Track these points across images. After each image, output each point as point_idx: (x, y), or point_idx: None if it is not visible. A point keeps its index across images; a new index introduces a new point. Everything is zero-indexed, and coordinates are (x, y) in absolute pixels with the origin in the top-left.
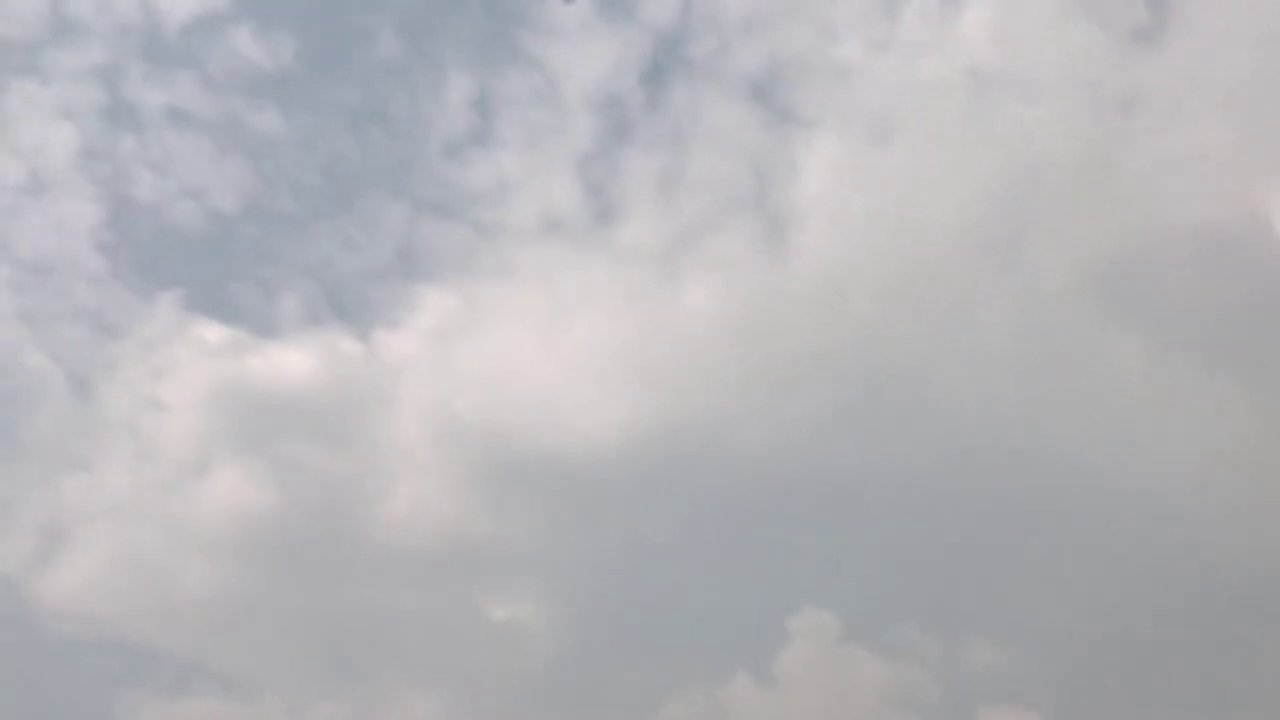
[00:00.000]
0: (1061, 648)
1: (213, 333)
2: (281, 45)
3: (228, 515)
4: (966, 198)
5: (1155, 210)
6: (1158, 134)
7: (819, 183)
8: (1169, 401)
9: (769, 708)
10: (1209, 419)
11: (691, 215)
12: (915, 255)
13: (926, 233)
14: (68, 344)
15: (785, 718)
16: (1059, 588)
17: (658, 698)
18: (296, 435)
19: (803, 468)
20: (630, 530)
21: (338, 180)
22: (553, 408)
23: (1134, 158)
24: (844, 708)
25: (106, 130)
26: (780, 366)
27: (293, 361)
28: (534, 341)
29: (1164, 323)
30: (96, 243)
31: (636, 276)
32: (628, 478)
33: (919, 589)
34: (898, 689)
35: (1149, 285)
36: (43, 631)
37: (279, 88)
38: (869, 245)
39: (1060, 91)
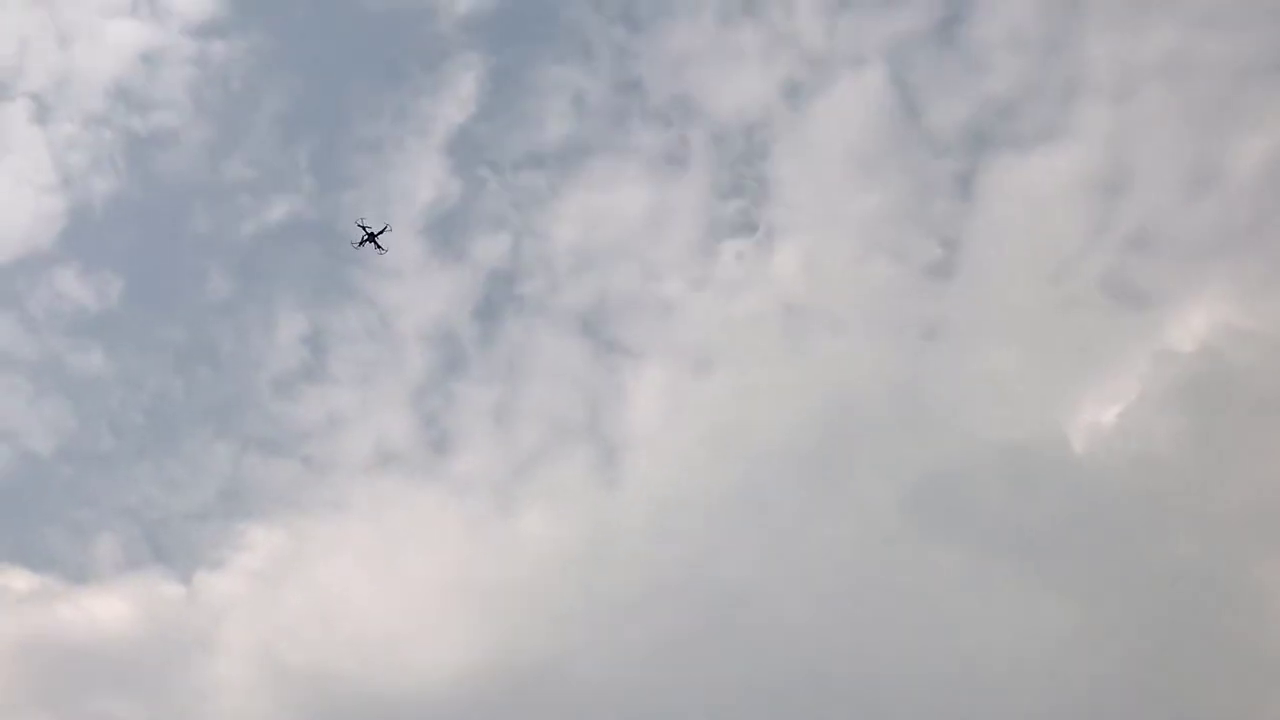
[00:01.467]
0: None
1: (20, 580)
2: (107, 285)
3: None
4: (788, 423)
5: (964, 430)
6: (959, 359)
7: (647, 410)
8: (987, 604)
9: None
10: (1023, 616)
11: (526, 444)
12: (742, 478)
13: (752, 457)
14: None
15: None
16: None
17: None
18: (107, 687)
19: (642, 697)
20: None
21: (161, 419)
22: (385, 646)
23: (939, 381)
24: None
25: None
26: (616, 593)
27: (107, 608)
28: (366, 577)
29: (980, 534)
30: None
31: (472, 506)
32: (469, 714)
33: None
34: None
35: (964, 500)
36: None
37: (103, 327)
38: (697, 470)
39: (867, 323)
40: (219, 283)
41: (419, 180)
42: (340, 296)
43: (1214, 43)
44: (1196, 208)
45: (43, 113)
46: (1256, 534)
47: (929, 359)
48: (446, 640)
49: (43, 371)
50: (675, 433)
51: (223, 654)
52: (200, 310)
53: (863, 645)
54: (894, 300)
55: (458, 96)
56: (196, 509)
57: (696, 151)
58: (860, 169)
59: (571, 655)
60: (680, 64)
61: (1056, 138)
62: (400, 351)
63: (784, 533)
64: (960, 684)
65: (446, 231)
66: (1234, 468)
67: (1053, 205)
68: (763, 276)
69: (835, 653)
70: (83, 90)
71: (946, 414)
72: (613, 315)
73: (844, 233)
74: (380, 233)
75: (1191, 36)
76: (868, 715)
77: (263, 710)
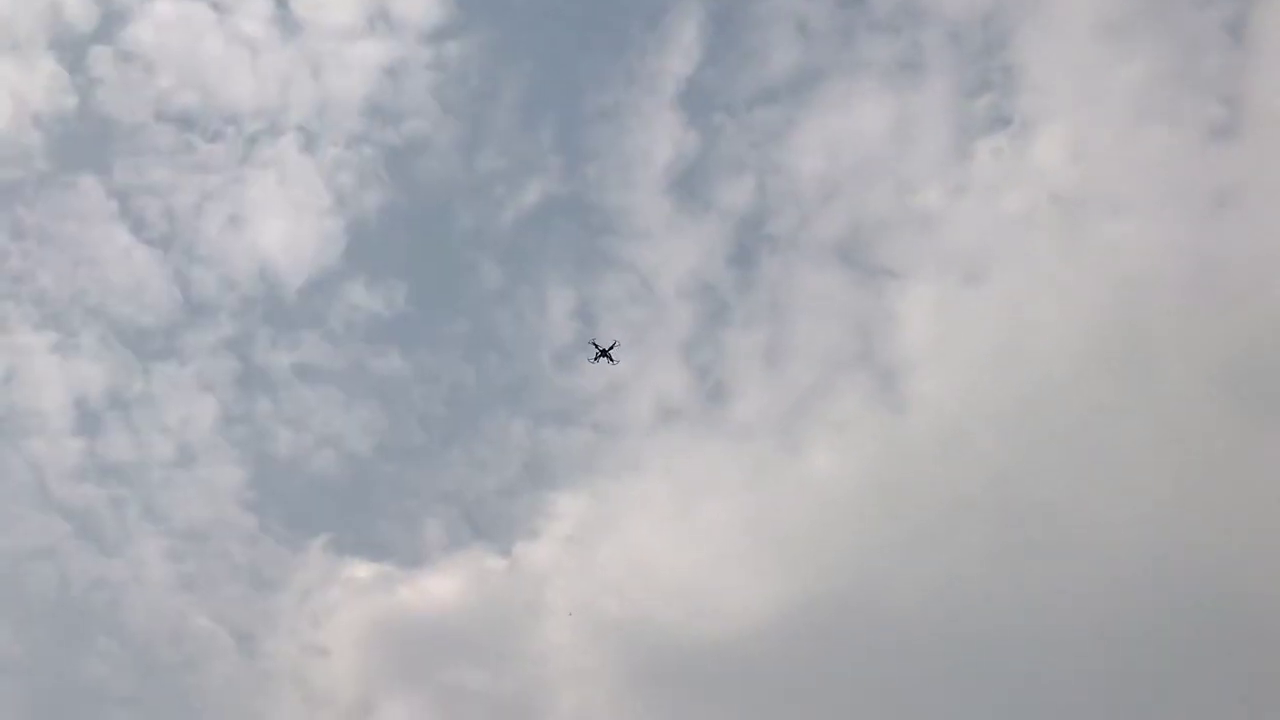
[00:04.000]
0: None
1: (363, 570)
2: (393, 291)
3: None
4: (1075, 321)
5: (1272, 297)
6: (1257, 224)
7: (922, 330)
8: None
9: None
10: None
11: (801, 382)
12: (1034, 387)
13: (1041, 363)
14: (229, 603)
15: None
16: (1257, 711)
17: None
18: (454, 659)
19: (955, 621)
20: (797, 705)
21: (461, 407)
22: (696, 594)
23: (1238, 252)
24: None
25: (242, 396)
26: (914, 520)
27: (442, 586)
28: (667, 530)
29: None
30: (244, 502)
31: (757, 450)
32: (779, 653)
33: None
34: None
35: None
36: None
37: (395, 330)
38: (984, 384)
39: (1149, 200)
40: (490, 272)
41: (656, 139)
42: (601, 266)
43: None
44: None
45: (309, 141)
46: None
47: (1224, 229)
48: (752, 583)
49: (350, 379)
50: (955, 349)
51: (549, 617)
52: (477, 301)
53: (1192, 551)
54: (1176, 171)
55: (681, 46)
56: (506, 485)
57: (932, 54)
58: (1114, 35)
59: (875, 586)
60: None
61: None
62: (664, 310)
63: (1086, 438)
64: None
65: (690, 184)
66: None
67: None
68: (1026, 170)
69: (1160, 561)
70: (340, 114)
71: (1251, 286)
72: (870, 238)
73: (1108, 107)
74: (611, 348)
75: None
76: (1212, 631)
77: (593, 665)
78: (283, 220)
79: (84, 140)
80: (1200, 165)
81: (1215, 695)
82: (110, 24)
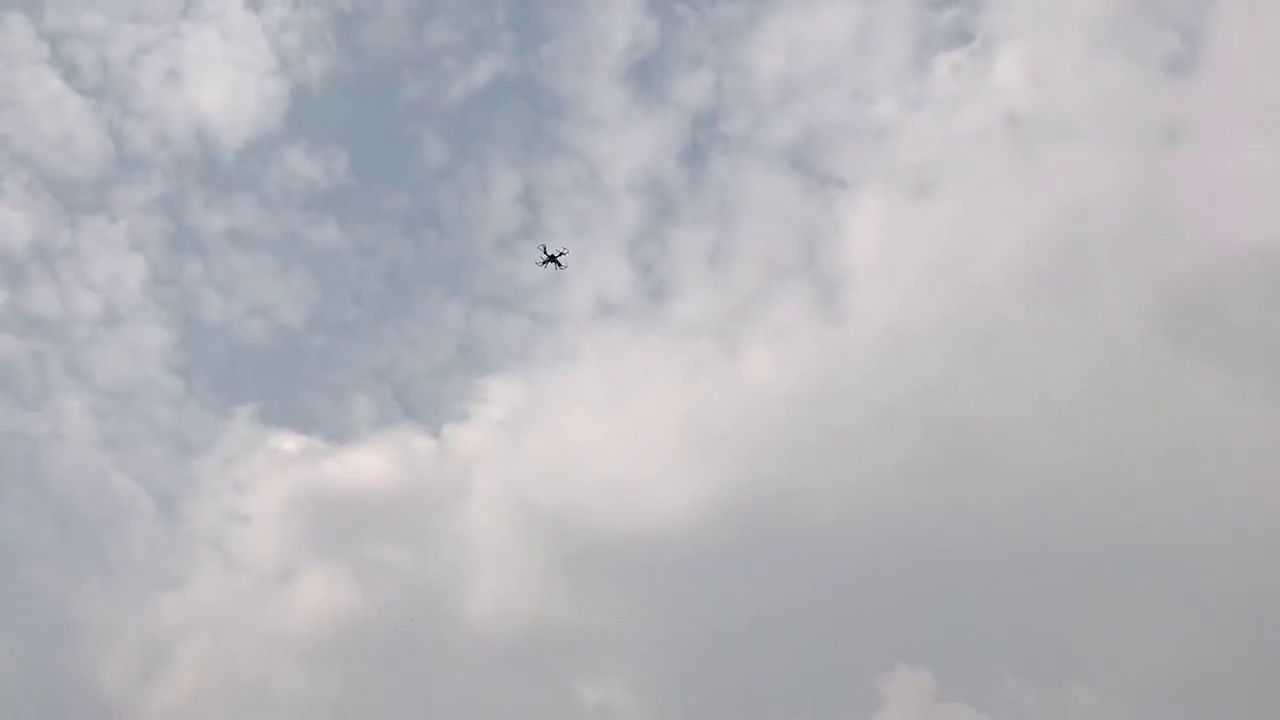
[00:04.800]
0: (1162, 687)
1: (289, 442)
2: (333, 160)
3: (317, 620)
4: (1019, 243)
5: (1213, 236)
6: (1205, 160)
7: (867, 242)
8: (1252, 432)
9: None
10: None
11: (744, 286)
12: (972, 306)
13: (982, 281)
14: (151, 465)
15: None
16: (1155, 629)
17: None
18: (377, 536)
19: (881, 528)
20: (714, 604)
21: (397, 284)
22: (624, 487)
23: (1184, 186)
24: None
25: (173, 257)
26: (847, 429)
27: (368, 463)
28: (600, 423)
29: (1235, 348)
30: (170, 365)
31: (695, 351)
32: (705, 551)
33: (1013, 640)
34: None
35: (1217, 312)
36: None
37: (334, 201)
38: (924, 300)
39: (1101, 128)
40: (434, 148)
41: (615, 24)
42: (549, 152)
43: None
44: None
45: None
46: None
47: (1172, 163)
48: (681, 480)
49: (284, 247)
50: (898, 263)
51: (475, 501)
52: (420, 177)
53: (1108, 476)
54: (1130, 102)
55: None
56: (438, 367)
57: None
58: None
59: (805, 489)
60: None
61: None
62: (611, 203)
63: (1020, 360)
64: (1220, 521)
65: (646, 75)
66: None
67: None
68: (983, 89)
69: (1078, 485)
70: None
71: (1193, 220)
72: (823, 146)
73: (1070, 32)
74: (560, 254)
75: None
76: (1114, 552)
77: (517, 551)
78: (223, 79)
79: None
80: (1154, 97)
81: (1130, 614)
82: None
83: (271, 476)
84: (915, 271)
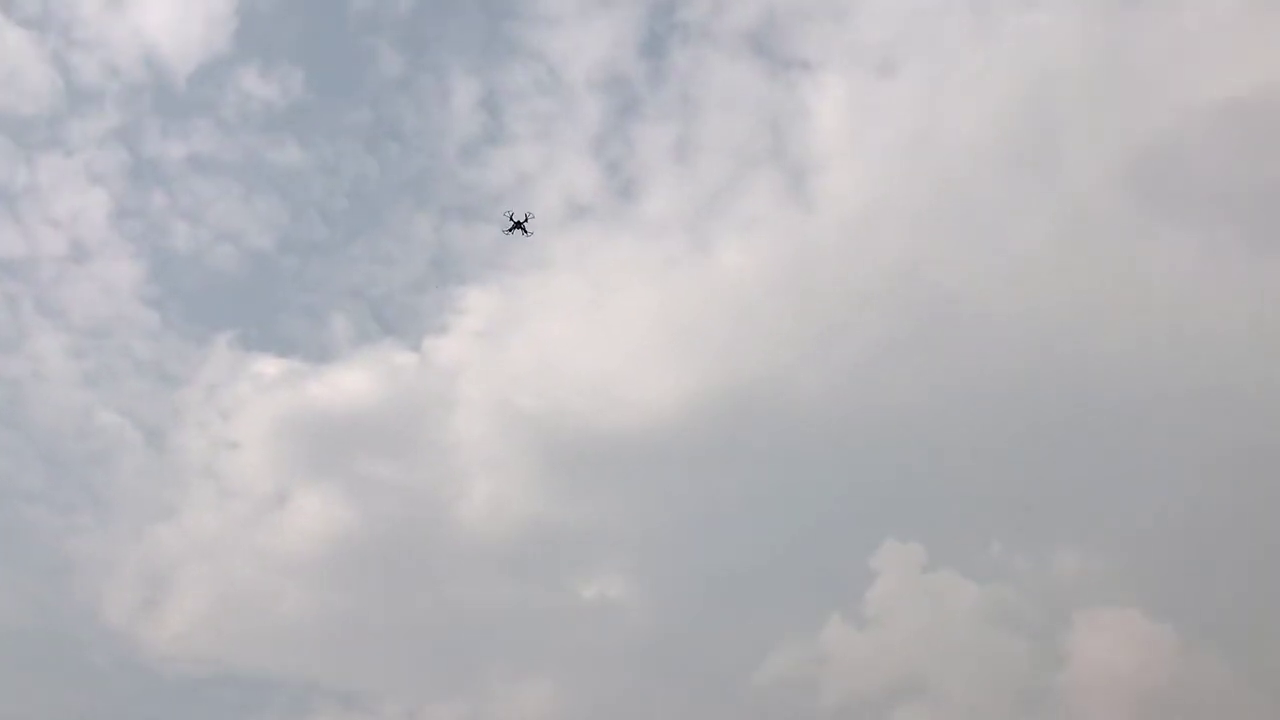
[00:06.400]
0: (1148, 544)
1: (270, 366)
2: (288, 79)
3: (314, 539)
4: (985, 114)
5: (1178, 93)
6: (1168, 14)
7: (833, 125)
8: (1219, 285)
9: (866, 643)
10: (1260, 298)
11: (712, 178)
12: (942, 181)
13: (950, 155)
14: (134, 399)
15: (884, 651)
16: (1136, 487)
17: (757, 653)
18: (366, 452)
19: (862, 406)
20: (703, 493)
21: (364, 200)
22: (607, 386)
23: (1147, 42)
24: (940, 634)
25: (135, 189)
26: (822, 311)
27: (351, 381)
28: (578, 326)
29: (1204, 205)
30: (144, 298)
31: (667, 247)
32: (691, 442)
33: (999, 508)
34: (992, 607)
35: (1184, 170)
36: (158, 676)
37: (292, 120)
38: (893, 178)
39: None
40: (389, 58)
41: None
42: (507, 54)
43: None
44: None
45: None
46: None
47: (1135, 18)
48: (662, 374)
49: (247, 171)
50: (866, 144)
51: (461, 411)
52: (377, 89)
53: (1084, 340)
54: None
55: None
56: (413, 281)
57: None
58: None
59: (784, 374)
60: None
61: None
62: (573, 102)
63: (991, 231)
64: (1192, 374)
65: None
66: None
67: None
68: None
69: (1055, 351)
70: None
71: (1157, 78)
72: (784, 28)
73: None
74: (526, 220)
75: None
76: (1093, 413)
77: (505, 454)
78: (167, 1)
79: None
80: None
81: (1114, 476)
82: None
83: (256, 401)
84: (884, 151)
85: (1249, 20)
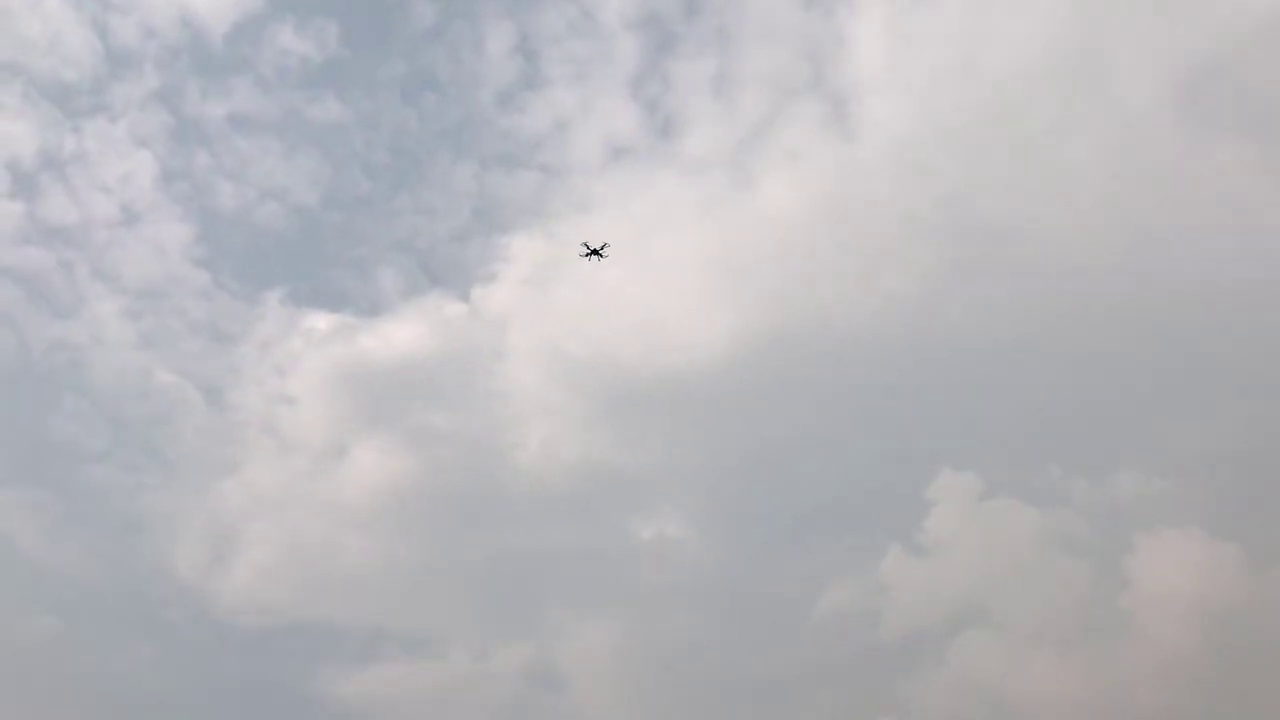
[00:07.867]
0: (1209, 465)
1: (322, 321)
2: (323, 33)
3: (373, 489)
4: (1029, 34)
5: (1227, 8)
6: None
7: (874, 52)
8: (1277, 200)
9: (925, 573)
10: None
11: (752, 112)
12: (987, 103)
13: (995, 78)
14: (191, 358)
15: (944, 580)
16: (1197, 407)
17: (816, 585)
18: (421, 402)
19: (911, 338)
20: (756, 431)
21: (404, 153)
22: (653, 329)
23: None
24: (1000, 560)
25: (179, 150)
26: (868, 244)
27: (402, 333)
28: (622, 269)
29: (1258, 119)
30: (194, 258)
31: (709, 184)
32: (742, 380)
33: (1055, 433)
34: (1051, 532)
35: (1240, 84)
36: (229, 628)
37: (330, 75)
38: (938, 103)
39: None
40: (422, 8)
41: None
42: None
43: None
44: None
45: None
46: None
47: None
48: (708, 314)
49: (288, 127)
50: (907, 69)
51: (511, 358)
52: (412, 40)
53: (1142, 260)
54: None
55: None
56: (458, 231)
57: None
58: None
59: (832, 308)
60: None
61: None
62: (609, 42)
63: (1041, 153)
64: (1259, 293)
65: None
66: None
67: None
68: None
69: (1112, 272)
70: None
71: None
72: None
73: None
74: (603, 248)
75: None
76: (1150, 337)
77: (557, 402)
78: None
79: None
80: None
81: (1170, 398)
82: None
83: (310, 357)
84: (926, 76)
85: None
